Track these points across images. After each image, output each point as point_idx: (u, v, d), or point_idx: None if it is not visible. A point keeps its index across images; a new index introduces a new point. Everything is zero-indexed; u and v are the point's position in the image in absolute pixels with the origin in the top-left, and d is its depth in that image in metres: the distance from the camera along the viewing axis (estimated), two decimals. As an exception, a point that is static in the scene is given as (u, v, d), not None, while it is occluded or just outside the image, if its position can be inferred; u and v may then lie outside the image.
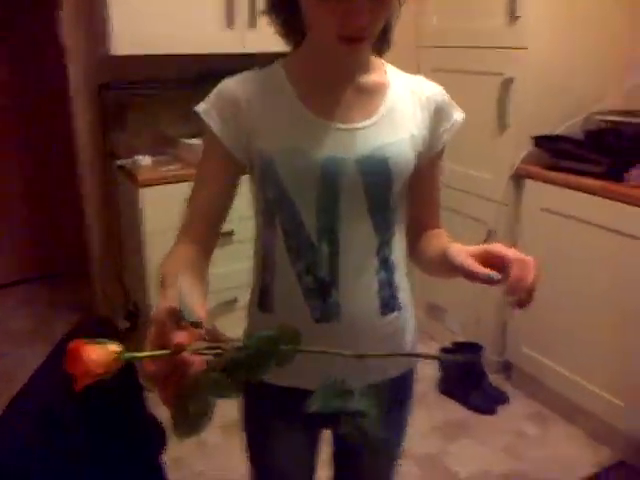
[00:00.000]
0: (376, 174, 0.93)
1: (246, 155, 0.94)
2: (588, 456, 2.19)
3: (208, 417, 0.60)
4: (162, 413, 0.76)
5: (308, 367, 0.95)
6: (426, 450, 2.23)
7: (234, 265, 2.45)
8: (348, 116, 0.93)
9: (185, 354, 0.59)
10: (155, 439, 1.12)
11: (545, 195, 2.31)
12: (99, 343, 0.59)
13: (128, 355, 0.60)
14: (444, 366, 2.61)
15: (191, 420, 0.60)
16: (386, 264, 0.99)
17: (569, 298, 2.27)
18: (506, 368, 2.66)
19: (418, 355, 0.75)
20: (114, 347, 0.60)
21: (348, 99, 0.94)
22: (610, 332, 2.13)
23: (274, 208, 0.95)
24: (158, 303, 0.69)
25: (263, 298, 1.01)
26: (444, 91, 1.03)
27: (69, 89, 2.65)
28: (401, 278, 1.03)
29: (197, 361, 0.60)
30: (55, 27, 2.67)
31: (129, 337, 2.44)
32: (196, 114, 0.95)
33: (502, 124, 2.41)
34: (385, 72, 1.00)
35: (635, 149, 2.14)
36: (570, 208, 2.21)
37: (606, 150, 2.18)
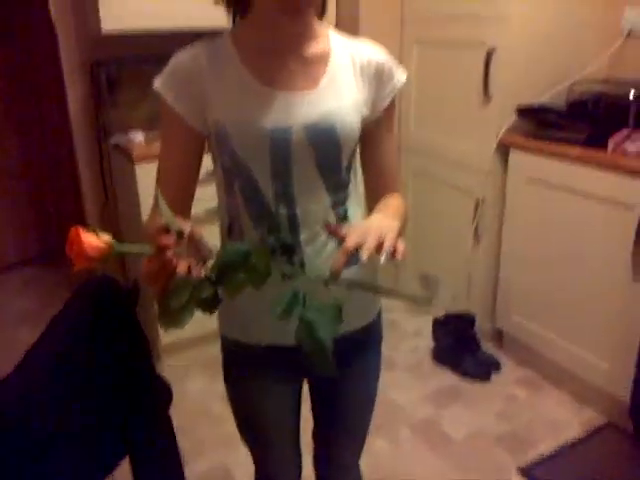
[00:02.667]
0: (324, 140, 0.96)
1: (203, 124, 0.97)
2: (576, 418, 2.26)
3: (188, 314, 0.69)
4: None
5: (279, 324, 1.03)
6: (421, 416, 2.30)
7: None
8: (293, 84, 0.96)
9: (169, 254, 0.67)
10: (162, 395, 1.17)
11: (529, 164, 2.35)
12: (94, 232, 0.68)
13: (118, 246, 0.69)
14: (437, 335, 2.68)
15: (172, 314, 0.69)
16: (344, 220, 1.04)
17: (555, 264, 2.32)
18: (497, 336, 2.73)
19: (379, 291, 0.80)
20: (107, 238, 0.68)
21: (293, 68, 0.97)
22: (594, 296, 2.19)
23: (232, 176, 0.99)
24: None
25: None
26: (385, 53, 1.05)
27: (62, 68, 2.67)
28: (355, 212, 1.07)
29: (180, 263, 0.69)
30: (45, 6, 2.68)
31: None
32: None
33: (486, 95, 2.43)
34: (328, 39, 1.02)
35: (615, 117, 2.17)
36: (553, 176, 2.25)
37: (587, 118, 2.21)
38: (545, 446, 2.12)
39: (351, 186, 1.06)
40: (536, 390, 2.44)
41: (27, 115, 3.59)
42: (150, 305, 2.57)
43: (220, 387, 2.49)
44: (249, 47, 0.97)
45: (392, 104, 1.06)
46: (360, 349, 1.15)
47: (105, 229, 2.61)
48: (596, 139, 2.13)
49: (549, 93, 2.40)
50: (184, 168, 1.00)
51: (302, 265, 0.99)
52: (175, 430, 1.23)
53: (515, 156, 2.40)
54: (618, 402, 2.15)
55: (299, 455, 1.29)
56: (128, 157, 2.42)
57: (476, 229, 2.59)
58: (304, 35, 0.98)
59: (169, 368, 2.56)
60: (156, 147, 2.37)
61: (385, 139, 1.09)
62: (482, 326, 2.69)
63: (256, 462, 1.29)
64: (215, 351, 2.61)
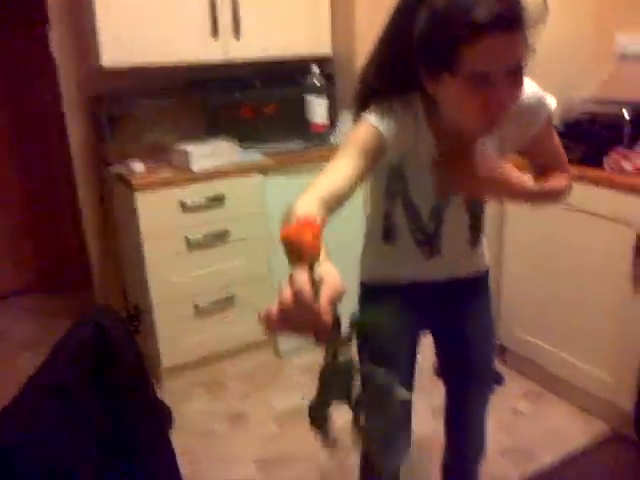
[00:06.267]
0: None
1: (391, 150, 1.11)
2: (581, 429, 2.26)
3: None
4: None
5: (417, 267, 1.34)
6: (424, 432, 2.29)
7: (230, 262, 2.53)
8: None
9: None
10: (163, 418, 1.18)
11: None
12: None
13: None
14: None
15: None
16: (475, 220, 1.33)
17: (556, 279, 2.35)
18: (501, 351, 2.73)
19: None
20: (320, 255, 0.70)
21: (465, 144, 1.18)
22: (595, 310, 2.21)
23: (397, 194, 1.25)
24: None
25: (387, 234, 1.32)
26: (534, 86, 1.22)
27: (62, 102, 2.72)
28: (483, 222, 1.35)
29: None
30: (45, 43, 2.75)
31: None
32: (362, 119, 1.11)
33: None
34: None
35: (610, 136, 2.21)
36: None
37: (583, 138, 2.25)
38: (550, 458, 2.11)
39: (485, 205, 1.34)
40: (540, 403, 2.44)
41: (28, 147, 3.65)
42: (150, 331, 2.59)
43: (222, 407, 2.50)
44: (435, 118, 1.14)
45: (548, 121, 1.23)
46: (473, 290, 1.43)
47: (106, 258, 2.63)
48: (591, 158, 2.17)
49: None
50: (349, 179, 1.02)
51: (439, 249, 1.30)
52: (177, 452, 1.24)
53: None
54: (623, 413, 2.15)
55: (410, 383, 1.48)
56: (128, 185, 2.46)
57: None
58: None
59: (171, 391, 2.57)
60: (155, 176, 2.45)
61: (548, 140, 1.28)
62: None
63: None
64: (215, 372, 2.64)
